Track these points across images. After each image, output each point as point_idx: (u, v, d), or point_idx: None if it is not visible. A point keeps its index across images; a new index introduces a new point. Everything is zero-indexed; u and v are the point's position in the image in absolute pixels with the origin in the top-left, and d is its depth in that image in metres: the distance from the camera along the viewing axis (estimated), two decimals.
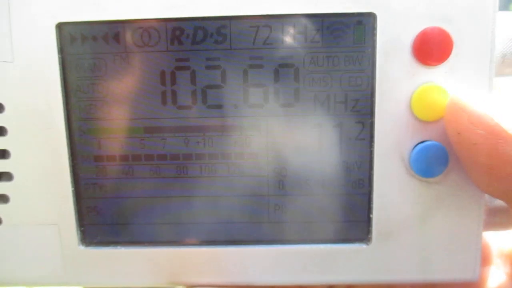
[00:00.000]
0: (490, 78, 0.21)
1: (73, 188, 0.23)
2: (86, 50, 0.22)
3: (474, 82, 0.21)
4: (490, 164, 0.18)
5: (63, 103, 0.22)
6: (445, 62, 0.21)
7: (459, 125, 0.19)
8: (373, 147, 0.22)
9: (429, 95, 0.21)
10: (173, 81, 0.22)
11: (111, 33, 0.22)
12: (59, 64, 0.22)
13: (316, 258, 0.23)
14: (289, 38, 0.21)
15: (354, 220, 0.23)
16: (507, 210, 0.23)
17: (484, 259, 0.24)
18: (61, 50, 0.22)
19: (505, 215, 0.23)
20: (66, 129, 0.22)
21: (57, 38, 0.21)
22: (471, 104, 0.18)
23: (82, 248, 0.23)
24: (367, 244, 0.23)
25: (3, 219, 0.23)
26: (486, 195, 0.23)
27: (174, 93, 0.22)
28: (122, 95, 0.22)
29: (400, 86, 0.21)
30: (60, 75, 0.22)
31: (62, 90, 0.22)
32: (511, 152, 0.17)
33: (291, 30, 0.21)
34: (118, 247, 0.23)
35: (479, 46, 0.21)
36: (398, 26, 0.21)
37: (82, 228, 0.23)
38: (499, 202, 0.23)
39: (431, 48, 0.21)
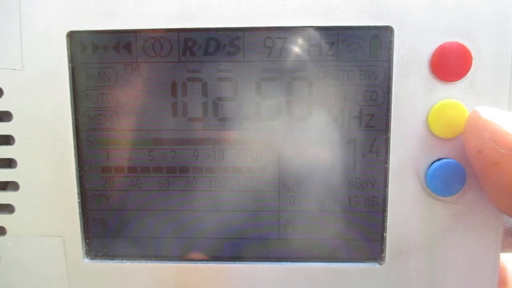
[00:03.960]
0: (510, 95, 0.20)
1: (79, 200, 0.22)
2: (97, 59, 0.21)
3: (493, 100, 0.20)
4: (510, 185, 0.17)
5: (72, 112, 0.22)
6: (463, 78, 0.20)
7: (479, 143, 0.18)
8: (388, 164, 0.21)
9: (446, 112, 0.20)
10: (184, 93, 0.21)
11: (122, 42, 0.21)
12: (69, 73, 0.21)
13: (327, 277, 0.22)
14: (303, 51, 0.21)
15: (367, 238, 0.22)
16: None
17: (501, 282, 0.23)
18: (72, 59, 0.21)
19: None
20: (74, 139, 0.22)
21: (68, 47, 0.21)
22: (493, 121, 0.18)
23: (87, 261, 0.23)
24: (380, 264, 0.22)
25: (7, 229, 0.23)
26: (504, 215, 0.22)
27: (185, 105, 0.22)
28: (131, 106, 0.22)
29: (416, 102, 0.21)
30: (70, 84, 0.21)
31: (71, 99, 0.22)
32: None
33: (306, 43, 0.21)
34: (124, 261, 0.23)
35: (499, 63, 0.20)
36: (416, 40, 0.20)
37: (87, 241, 0.23)
38: None
39: (450, 64, 0.20)
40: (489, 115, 0.18)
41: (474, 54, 0.20)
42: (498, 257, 0.22)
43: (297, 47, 0.21)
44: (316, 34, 0.21)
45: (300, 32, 0.21)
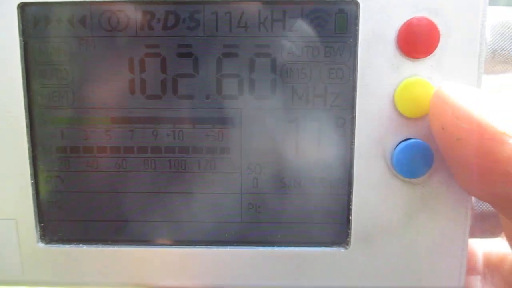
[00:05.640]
0: (479, 74, 0.20)
1: (32, 181, 0.21)
2: (50, 33, 0.20)
3: (461, 77, 0.20)
4: (474, 162, 0.16)
5: (24, 90, 0.21)
6: (431, 55, 0.20)
7: (443, 119, 0.17)
8: (354, 145, 0.20)
9: (413, 90, 0.20)
10: (142, 69, 0.20)
11: (77, 16, 0.20)
12: (21, 48, 0.20)
13: (291, 261, 0.21)
14: (266, 25, 0.20)
15: (332, 222, 0.21)
16: (495, 216, 0.22)
17: (471, 268, 0.23)
18: (23, 33, 0.20)
19: (493, 221, 0.22)
20: (26, 118, 0.21)
21: (18, 20, 0.20)
22: (456, 97, 0.17)
23: (41, 245, 0.22)
24: (346, 248, 0.21)
25: None
26: (474, 199, 0.21)
27: (143, 82, 0.21)
28: (87, 83, 0.21)
29: (383, 80, 0.20)
30: (22, 60, 0.20)
31: (23, 76, 0.20)
32: (496, 149, 0.15)
33: (269, 17, 0.20)
34: (80, 245, 0.22)
35: (468, 39, 0.20)
36: (382, 15, 0.19)
37: (42, 224, 0.22)
38: (487, 207, 0.22)
39: (417, 40, 0.19)
40: (453, 90, 0.17)
41: (442, 30, 0.19)
42: (467, 241, 0.21)
43: (259, 22, 0.20)
44: (279, 8, 0.20)
45: (263, 6, 0.20)
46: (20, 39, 0.20)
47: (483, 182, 0.17)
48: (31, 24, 0.20)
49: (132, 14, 0.20)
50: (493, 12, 0.21)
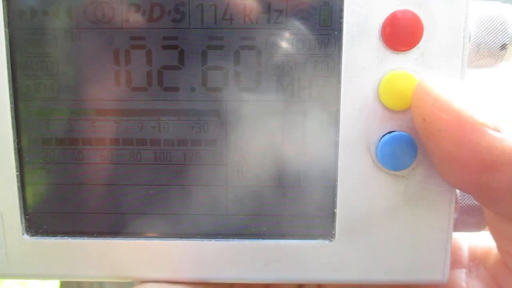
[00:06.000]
0: (463, 67, 0.20)
1: (18, 173, 0.21)
2: (36, 25, 0.20)
3: (445, 70, 0.20)
4: (454, 152, 0.16)
5: (9, 81, 0.21)
6: (415, 48, 0.20)
7: (424, 110, 0.17)
8: (338, 137, 0.20)
9: (397, 83, 0.20)
10: (128, 61, 0.21)
11: (62, 7, 0.20)
12: (6, 39, 0.20)
13: (276, 254, 0.21)
14: (251, 18, 0.20)
15: (317, 215, 0.21)
16: (480, 209, 0.22)
17: (455, 261, 0.23)
18: (9, 24, 0.20)
19: (478, 215, 0.22)
20: (12, 109, 0.21)
21: (4, 11, 0.20)
22: (437, 88, 0.17)
23: (26, 237, 0.22)
24: (331, 241, 0.21)
25: None
26: (458, 192, 0.22)
27: (128, 74, 0.21)
28: (73, 74, 0.21)
29: (367, 73, 0.20)
30: (7, 51, 0.20)
31: (8, 67, 0.20)
32: (476, 140, 0.15)
33: (254, 10, 0.20)
34: (66, 237, 0.22)
35: (451, 33, 0.20)
36: (366, 8, 0.20)
37: (27, 216, 0.22)
38: (472, 201, 0.22)
39: (401, 33, 0.19)
40: (434, 82, 0.17)
41: (425, 23, 0.19)
42: (451, 234, 0.21)
43: (245, 14, 0.20)
44: (264, 1, 0.20)
45: None
46: (5, 31, 0.20)
47: (464, 172, 0.17)
48: (17, 15, 0.20)
49: (118, 6, 0.20)
50: (478, 6, 0.21)
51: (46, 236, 0.22)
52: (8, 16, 0.20)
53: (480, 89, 0.20)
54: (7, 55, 0.20)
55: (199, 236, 0.22)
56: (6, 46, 0.20)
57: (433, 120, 0.17)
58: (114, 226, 0.22)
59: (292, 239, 0.21)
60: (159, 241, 0.22)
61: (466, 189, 0.19)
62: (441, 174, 0.19)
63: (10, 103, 0.21)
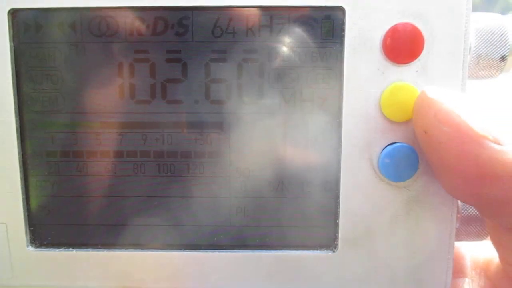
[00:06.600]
0: (463, 78, 0.20)
1: (22, 185, 0.21)
2: (41, 39, 0.21)
3: (446, 82, 0.20)
4: (456, 165, 0.17)
5: (14, 94, 0.21)
6: (416, 60, 0.20)
7: (425, 123, 0.17)
8: (341, 149, 0.21)
9: (399, 95, 0.20)
10: (132, 74, 0.21)
11: (67, 21, 0.20)
12: (11, 53, 0.21)
13: (279, 265, 0.22)
14: (253, 31, 0.20)
15: (319, 225, 0.22)
16: (481, 219, 0.22)
17: (457, 271, 0.23)
18: (14, 38, 0.21)
19: (479, 224, 0.22)
20: (16, 122, 0.21)
21: (9, 25, 0.20)
22: (438, 101, 0.17)
23: (31, 249, 0.22)
24: (333, 251, 0.21)
25: None
26: (459, 203, 0.22)
27: (132, 86, 0.21)
28: (77, 87, 0.21)
29: (369, 85, 0.20)
30: (12, 65, 0.21)
31: (13, 80, 0.21)
32: (477, 152, 0.16)
33: (256, 23, 0.20)
34: (70, 249, 0.22)
35: (452, 46, 0.20)
36: (368, 21, 0.20)
37: (31, 228, 0.22)
38: (473, 211, 0.22)
39: (402, 45, 0.20)
40: (435, 94, 0.18)
41: (426, 35, 0.20)
42: (453, 244, 0.21)
43: (247, 28, 0.20)
44: (266, 14, 0.20)
45: (251, 12, 0.20)
46: (10, 45, 0.20)
47: (465, 185, 0.17)
48: (22, 29, 0.21)
49: (122, 20, 0.20)
50: (478, 18, 0.21)
51: (50, 248, 0.22)
52: (13, 29, 0.20)
53: (481, 99, 0.20)
54: (12, 68, 0.21)
55: (202, 247, 0.22)
56: (11, 59, 0.21)
57: (435, 132, 0.17)
58: (118, 238, 0.22)
59: (295, 249, 0.22)
60: (163, 253, 0.22)
61: (467, 201, 0.19)
62: (443, 185, 0.19)
63: (15, 116, 0.21)
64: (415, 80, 0.20)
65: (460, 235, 0.22)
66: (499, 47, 0.21)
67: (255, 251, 0.22)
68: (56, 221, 0.22)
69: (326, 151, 0.21)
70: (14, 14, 0.20)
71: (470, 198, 0.18)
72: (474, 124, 0.16)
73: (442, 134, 0.17)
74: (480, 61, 0.22)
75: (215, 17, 0.20)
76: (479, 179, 0.16)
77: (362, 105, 0.20)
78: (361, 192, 0.21)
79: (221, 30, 0.20)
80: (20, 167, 0.21)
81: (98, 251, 0.22)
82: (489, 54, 0.21)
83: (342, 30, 0.20)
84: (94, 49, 0.21)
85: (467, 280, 0.23)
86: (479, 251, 0.24)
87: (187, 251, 0.22)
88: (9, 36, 0.20)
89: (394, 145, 0.20)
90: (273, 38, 0.20)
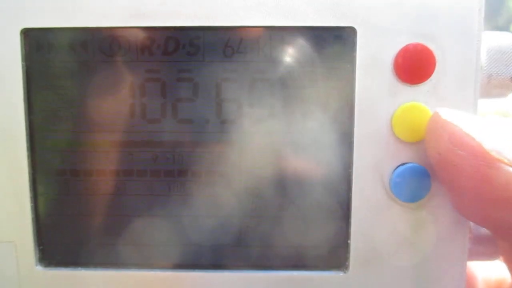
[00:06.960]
0: (475, 99, 0.20)
1: (32, 204, 0.21)
2: (52, 58, 0.21)
3: (458, 102, 0.20)
4: (470, 187, 0.16)
5: (25, 113, 0.21)
6: (427, 81, 0.20)
7: (439, 145, 0.17)
8: (352, 169, 0.20)
9: (410, 115, 0.20)
10: (143, 93, 0.21)
11: (78, 41, 0.21)
12: (23, 72, 0.21)
13: (289, 286, 0.21)
14: (264, 51, 0.20)
15: (330, 245, 0.21)
16: (493, 239, 0.22)
17: None
18: (26, 58, 0.21)
19: (491, 244, 0.22)
20: (27, 141, 0.21)
21: (21, 45, 0.20)
22: (452, 123, 0.17)
23: (40, 268, 0.22)
24: (345, 272, 0.21)
25: None
26: (471, 223, 0.21)
27: (143, 106, 0.21)
28: (88, 107, 0.21)
29: (380, 105, 0.20)
30: (24, 84, 0.21)
31: (24, 99, 0.21)
32: (492, 175, 0.16)
33: (267, 43, 0.20)
34: (79, 268, 0.22)
35: (463, 65, 0.20)
36: (379, 41, 0.20)
37: (41, 247, 0.22)
38: (485, 231, 0.22)
39: (413, 66, 0.20)
40: (449, 116, 0.18)
41: (437, 56, 0.20)
42: (465, 265, 0.21)
43: (258, 48, 0.20)
44: (277, 35, 0.20)
45: (261, 32, 0.20)
46: (22, 64, 0.20)
47: (479, 207, 0.17)
48: (34, 49, 0.21)
49: (133, 40, 0.20)
50: (488, 37, 0.21)
51: (59, 267, 0.22)
52: (25, 49, 0.21)
53: (494, 119, 0.20)
54: (23, 87, 0.21)
55: (211, 267, 0.22)
56: (23, 78, 0.21)
57: (449, 155, 0.17)
58: (128, 257, 0.22)
59: (305, 270, 0.21)
60: (173, 272, 0.22)
61: (481, 223, 0.19)
62: (456, 207, 0.19)
63: (26, 135, 0.21)
64: (427, 100, 0.20)
65: (471, 255, 0.22)
66: (510, 66, 0.21)
67: (265, 271, 0.22)
68: (65, 240, 0.22)
69: (338, 171, 0.21)
70: (26, 33, 0.20)
71: (484, 220, 0.18)
72: (489, 147, 0.16)
73: (456, 156, 0.17)
74: (491, 80, 0.22)
75: (226, 37, 0.20)
76: (494, 202, 0.16)
77: (373, 125, 0.20)
78: (373, 212, 0.21)
79: (232, 50, 0.20)
80: (29, 186, 0.21)
81: (107, 270, 0.22)
82: (500, 73, 0.21)
83: (354, 50, 0.20)
84: (105, 68, 0.21)
85: None
86: (491, 271, 0.24)
87: (196, 271, 0.22)
88: (22, 55, 0.20)
89: (406, 165, 0.20)
90: (284, 58, 0.20)
